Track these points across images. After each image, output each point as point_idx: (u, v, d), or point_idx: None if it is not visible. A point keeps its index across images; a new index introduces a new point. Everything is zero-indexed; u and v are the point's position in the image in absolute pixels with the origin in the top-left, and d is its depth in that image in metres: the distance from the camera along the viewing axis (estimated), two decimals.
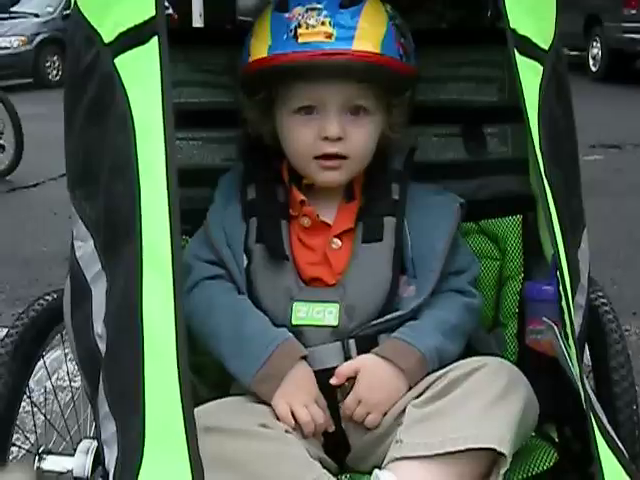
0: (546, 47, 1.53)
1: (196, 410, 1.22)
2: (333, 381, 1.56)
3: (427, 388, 1.51)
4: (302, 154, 1.69)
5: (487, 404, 1.43)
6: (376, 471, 1.42)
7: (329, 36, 1.60)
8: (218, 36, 2.02)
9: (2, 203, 6.96)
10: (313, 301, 1.63)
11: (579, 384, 1.38)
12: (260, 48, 1.65)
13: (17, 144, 7.50)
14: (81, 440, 1.77)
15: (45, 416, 2.08)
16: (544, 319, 1.54)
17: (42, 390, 2.14)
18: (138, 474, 1.17)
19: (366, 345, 1.60)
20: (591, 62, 12.85)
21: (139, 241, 1.25)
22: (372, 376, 1.56)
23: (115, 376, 1.30)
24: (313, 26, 1.60)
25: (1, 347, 1.74)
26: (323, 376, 1.57)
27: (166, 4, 1.46)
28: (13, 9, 16.33)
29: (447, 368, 1.53)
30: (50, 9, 15.67)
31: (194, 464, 1.15)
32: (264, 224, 1.69)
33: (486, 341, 1.78)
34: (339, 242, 1.69)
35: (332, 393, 1.58)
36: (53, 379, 2.07)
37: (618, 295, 3.91)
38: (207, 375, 1.68)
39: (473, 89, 1.92)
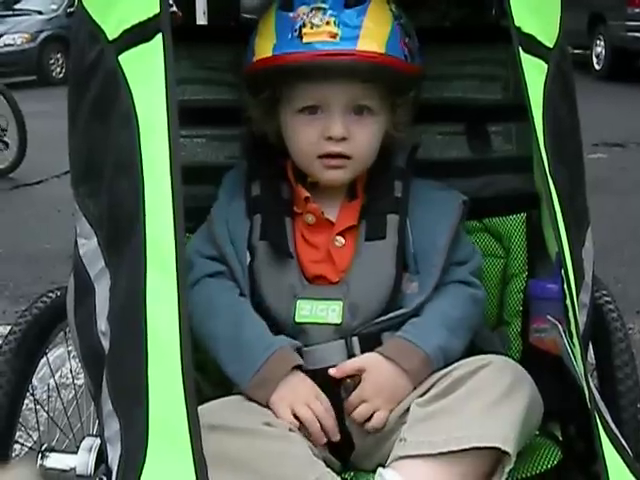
0: (551, 45, 1.53)
1: (200, 408, 1.22)
2: (332, 371, 1.56)
3: (431, 386, 1.51)
4: (306, 153, 1.69)
5: (491, 403, 1.43)
6: (380, 470, 1.41)
7: (334, 36, 1.59)
8: (222, 33, 2.02)
9: (5, 201, 6.96)
10: (316, 299, 1.63)
11: (583, 382, 1.38)
12: (265, 47, 1.65)
13: (20, 141, 7.51)
14: (84, 438, 1.77)
15: (48, 414, 2.08)
16: (548, 317, 1.54)
17: (45, 388, 2.14)
18: (141, 472, 1.16)
19: (369, 343, 1.60)
20: (595, 60, 12.83)
21: (143, 238, 1.25)
22: (376, 376, 1.56)
23: (118, 374, 1.29)
24: (318, 26, 1.60)
25: (4, 344, 1.74)
26: (326, 374, 1.57)
27: (170, 2, 1.46)
28: (17, 6, 16.36)
29: (451, 367, 1.53)
30: (54, 6, 15.68)
31: (198, 462, 1.14)
32: (268, 221, 1.68)
33: (490, 339, 1.78)
34: (342, 240, 1.69)
35: (335, 391, 1.57)
36: (56, 377, 2.07)
37: (622, 293, 3.90)
38: (210, 373, 1.68)
39: (477, 87, 1.92)
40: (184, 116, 1.33)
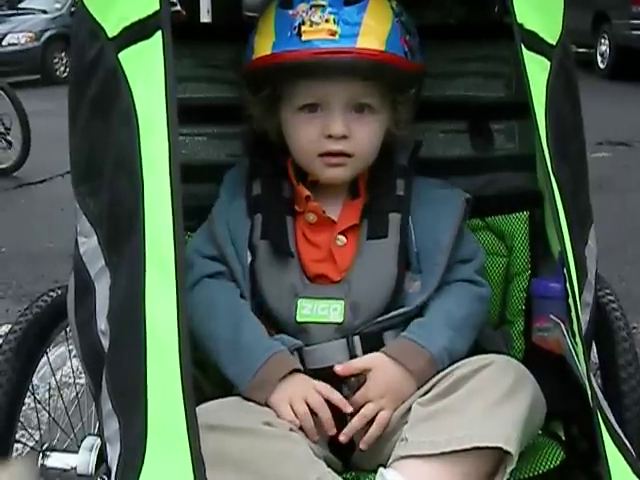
0: (553, 42, 1.52)
1: (199, 408, 1.22)
2: (338, 368, 1.55)
3: (433, 386, 1.51)
4: (306, 151, 1.68)
5: (493, 402, 1.42)
6: (381, 469, 1.41)
7: (333, 34, 1.58)
8: (224, 31, 2.01)
9: (9, 199, 6.97)
10: (318, 298, 1.62)
11: (586, 382, 1.37)
12: (264, 45, 1.64)
13: (24, 140, 7.51)
14: (85, 437, 1.77)
15: (49, 413, 2.08)
16: (551, 316, 1.54)
17: (46, 387, 2.13)
18: (140, 472, 1.16)
19: (371, 342, 1.59)
20: (599, 59, 12.81)
21: (142, 237, 1.25)
22: (381, 376, 1.55)
23: (118, 373, 1.29)
24: (317, 23, 1.59)
25: (5, 343, 1.74)
26: (328, 373, 1.56)
27: (173, 0, 1.46)
28: (21, 5, 16.36)
29: (453, 366, 1.52)
30: (58, 5, 15.69)
31: (196, 462, 1.14)
32: (269, 220, 1.68)
33: (493, 339, 1.77)
34: (344, 239, 1.68)
35: (337, 390, 1.57)
36: (57, 376, 2.06)
37: (626, 292, 3.89)
38: (211, 373, 1.68)
39: (480, 85, 1.91)
40: (185, 114, 1.32)
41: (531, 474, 1.51)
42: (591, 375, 1.39)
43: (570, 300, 1.42)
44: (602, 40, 12.74)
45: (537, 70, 1.46)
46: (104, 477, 1.47)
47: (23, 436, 1.97)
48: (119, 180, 1.33)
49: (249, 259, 1.66)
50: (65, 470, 1.79)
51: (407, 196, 1.70)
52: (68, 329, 1.78)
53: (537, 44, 1.47)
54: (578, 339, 1.41)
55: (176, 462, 1.15)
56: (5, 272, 5.00)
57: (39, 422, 2.04)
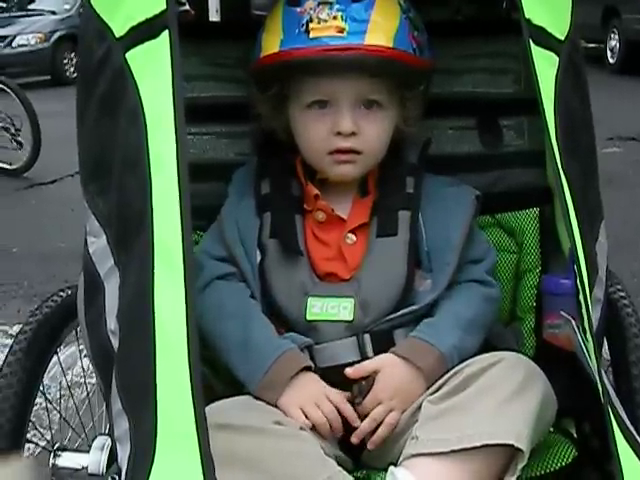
0: (562, 37, 1.51)
1: (209, 407, 1.22)
2: (348, 371, 1.55)
3: (443, 384, 1.50)
4: (316, 149, 1.68)
5: (504, 400, 1.41)
6: (392, 468, 1.40)
7: (341, 30, 1.58)
8: (232, 30, 2.01)
9: (20, 200, 6.99)
10: (328, 296, 1.62)
11: (597, 379, 1.36)
12: (272, 43, 1.64)
13: (34, 141, 7.53)
14: (96, 437, 1.77)
15: (60, 413, 2.08)
16: (562, 313, 1.53)
17: (57, 387, 2.14)
18: (150, 471, 1.16)
19: (381, 340, 1.59)
20: (609, 54, 12.78)
21: (151, 236, 1.25)
22: (391, 376, 1.55)
23: (127, 373, 1.29)
24: (325, 20, 1.59)
25: (15, 343, 1.74)
26: (338, 372, 1.56)
27: (182, 0, 1.45)
28: (31, 7, 16.40)
29: (463, 364, 1.52)
30: (67, 6, 15.72)
31: (205, 461, 1.14)
32: (278, 219, 1.68)
33: (503, 336, 1.77)
34: (354, 237, 1.68)
35: (346, 390, 1.56)
36: (68, 376, 2.06)
37: (637, 288, 3.86)
38: (222, 372, 1.68)
39: (489, 81, 1.91)
40: (193, 113, 1.32)
41: (542, 472, 1.51)
42: (602, 372, 1.38)
43: (581, 296, 1.42)
44: (612, 35, 12.70)
45: (546, 66, 1.45)
46: (115, 477, 1.47)
47: (34, 436, 1.97)
48: (127, 179, 1.34)
49: (258, 258, 1.66)
50: (76, 470, 1.79)
51: (417, 194, 1.69)
52: (78, 329, 1.79)
53: (545, 39, 1.46)
54: (589, 336, 1.40)
55: (186, 461, 1.14)
56: (16, 272, 5.01)
57: (50, 422, 2.04)
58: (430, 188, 1.72)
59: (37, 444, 2.00)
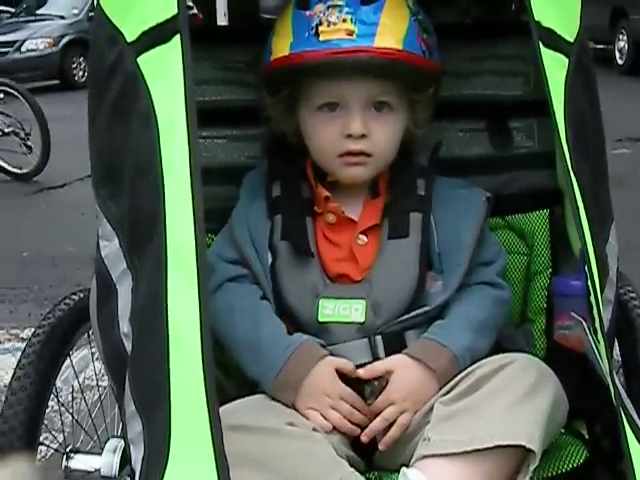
0: (571, 39, 1.51)
1: (222, 409, 1.22)
2: (361, 372, 1.56)
3: (455, 385, 1.50)
4: (326, 152, 1.69)
5: (515, 401, 1.42)
6: (404, 469, 1.41)
7: (350, 33, 1.59)
8: (242, 34, 2.02)
9: (30, 204, 7.01)
10: (339, 297, 1.62)
11: (609, 380, 1.37)
12: (282, 46, 1.65)
13: (44, 145, 7.56)
14: (108, 439, 1.78)
15: (73, 415, 2.09)
16: (573, 314, 1.53)
17: (70, 389, 2.15)
18: (164, 473, 1.17)
19: (393, 341, 1.59)
20: (617, 55, 12.75)
21: (164, 240, 1.25)
22: (404, 377, 1.55)
23: (141, 375, 1.30)
24: (334, 23, 1.60)
25: (28, 346, 1.75)
26: (350, 373, 1.57)
27: (190, 3, 1.46)
28: (39, 11, 16.45)
29: (475, 365, 1.52)
30: (76, 11, 15.77)
31: (220, 463, 1.14)
32: (289, 221, 1.68)
33: (514, 337, 1.77)
34: (365, 238, 1.68)
35: (359, 391, 1.57)
36: (80, 378, 2.07)
37: None
38: (234, 373, 1.68)
39: (498, 83, 1.91)
40: (205, 117, 1.33)
41: (554, 473, 1.51)
42: (614, 373, 1.38)
43: (592, 298, 1.42)
44: (620, 36, 12.67)
45: (555, 68, 1.45)
46: (127, 479, 1.48)
47: (47, 438, 1.98)
48: (140, 183, 1.34)
49: (270, 260, 1.67)
50: (89, 472, 1.80)
51: (428, 196, 1.70)
52: (90, 332, 1.80)
53: (555, 42, 1.46)
54: (600, 337, 1.40)
55: (200, 463, 1.15)
56: (27, 276, 5.03)
57: (63, 424, 2.05)
58: (441, 190, 1.72)
59: (49, 446, 2.01)
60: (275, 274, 1.66)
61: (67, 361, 1.83)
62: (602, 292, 1.47)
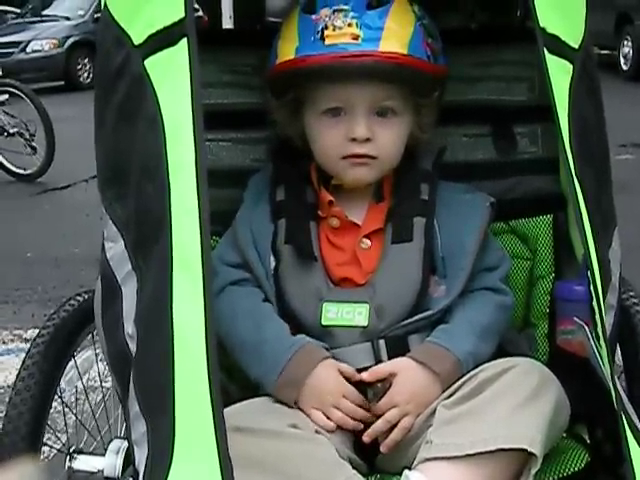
0: (576, 46, 1.52)
1: (226, 410, 1.23)
2: (364, 375, 1.56)
3: (457, 389, 1.51)
4: (330, 155, 1.69)
5: (518, 405, 1.42)
6: (406, 472, 1.41)
7: (356, 37, 1.60)
8: (247, 37, 2.02)
9: (34, 205, 7.02)
10: (343, 301, 1.63)
11: (610, 384, 1.37)
12: (287, 50, 1.65)
13: (49, 146, 7.57)
14: (112, 440, 1.78)
15: (76, 416, 2.09)
16: (575, 319, 1.53)
17: (73, 390, 2.15)
18: (168, 474, 1.17)
19: (396, 345, 1.60)
20: (622, 61, 12.74)
21: (169, 242, 1.26)
22: (408, 380, 1.56)
23: (145, 376, 1.30)
24: (340, 27, 1.60)
25: (32, 347, 1.75)
26: (353, 377, 1.57)
27: (196, 6, 1.46)
28: (45, 12, 16.48)
29: (478, 369, 1.52)
30: (81, 12, 15.79)
31: (224, 465, 1.15)
32: (293, 225, 1.69)
33: (517, 342, 1.77)
34: (368, 242, 1.69)
35: (362, 393, 1.57)
36: (84, 379, 2.08)
37: None
38: (238, 375, 1.69)
39: (503, 88, 1.91)
40: (210, 120, 1.33)
41: (556, 477, 1.51)
42: (615, 378, 1.39)
43: (594, 303, 1.42)
44: (625, 42, 12.67)
45: (560, 74, 1.46)
46: None
47: (50, 439, 1.98)
48: (145, 185, 1.35)
49: (273, 264, 1.67)
50: (92, 473, 1.80)
51: (432, 200, 1.70)
52: (95, 333, 1.80)
53: (560, 48, 1.47)
54: (602, 342, 1.41)
55: (204, 465, 1.15)
56: (30, 277, 5.04)
57: (66, 425, 2.05)
58: (445, 195, 1.73)
59: (53, 447, 2.01)
60: (278, 277, 1.66)
61: (71, 362, 1.83)
62: (604, 297, 1.48)
